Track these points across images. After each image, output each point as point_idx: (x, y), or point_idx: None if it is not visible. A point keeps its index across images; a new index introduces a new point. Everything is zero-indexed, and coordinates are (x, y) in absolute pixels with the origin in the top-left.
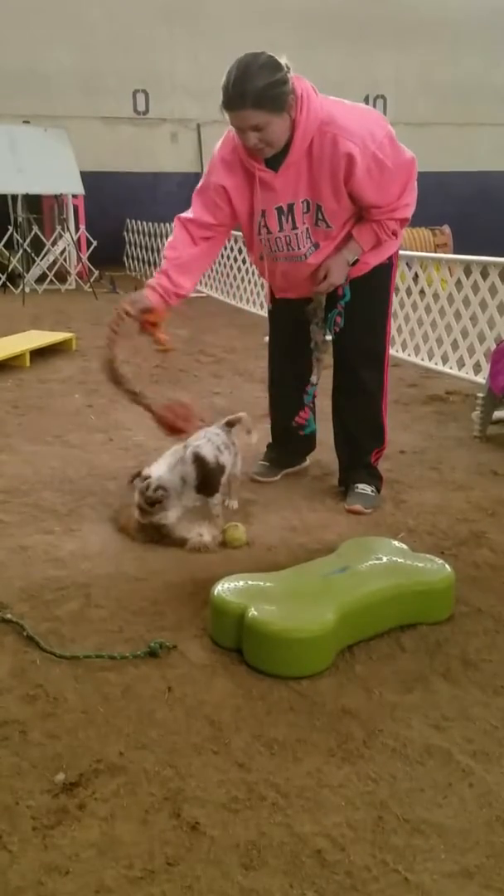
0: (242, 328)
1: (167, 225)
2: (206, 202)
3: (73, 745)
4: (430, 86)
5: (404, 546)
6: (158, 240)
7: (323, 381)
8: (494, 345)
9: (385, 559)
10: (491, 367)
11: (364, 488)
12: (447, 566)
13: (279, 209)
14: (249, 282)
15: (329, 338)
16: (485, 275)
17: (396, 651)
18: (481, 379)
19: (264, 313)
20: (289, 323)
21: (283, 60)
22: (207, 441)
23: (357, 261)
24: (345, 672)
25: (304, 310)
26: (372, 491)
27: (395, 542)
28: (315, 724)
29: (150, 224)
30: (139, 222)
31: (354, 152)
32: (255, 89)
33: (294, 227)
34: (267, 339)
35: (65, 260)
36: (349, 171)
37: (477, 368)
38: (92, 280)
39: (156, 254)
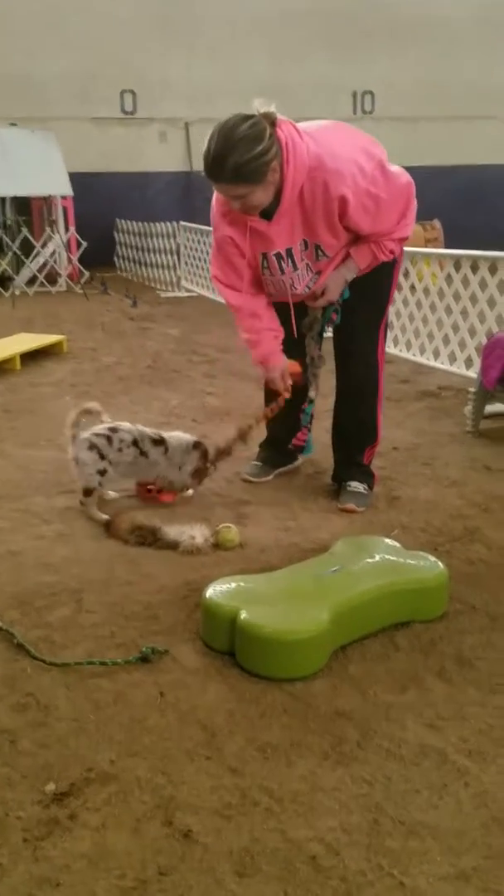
0: (235, 327)
1: (157, 225)
2: (223, 262)
3: (64, 754)
4: (417, 82)
5: (397, 544)
6: (148, 240)
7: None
8: (485, 339)
9: (378, 558)
10: (482, 362)
11: (356, 486)
12: (440, 564)
13: (277, 255)
14: None
15: (328, 333)
16: (475, 269)
17: (390, 650)
18: (473, 374)
19: None
20: (286, 326)
21: (270, 109)
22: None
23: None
24: (338, 673)
25: (300, 323)
26: (364, 489)
27: (388, 541)
28: (309, 727)
29: (141, 224)
30: (129, 222)
31: (347, 194)
32: (234, 164)
33: (295, 269)
34: None
35: (55, 262)
36: (343, 212)
37: (469, 363)
38: (83, 281)
39: (146, 253)
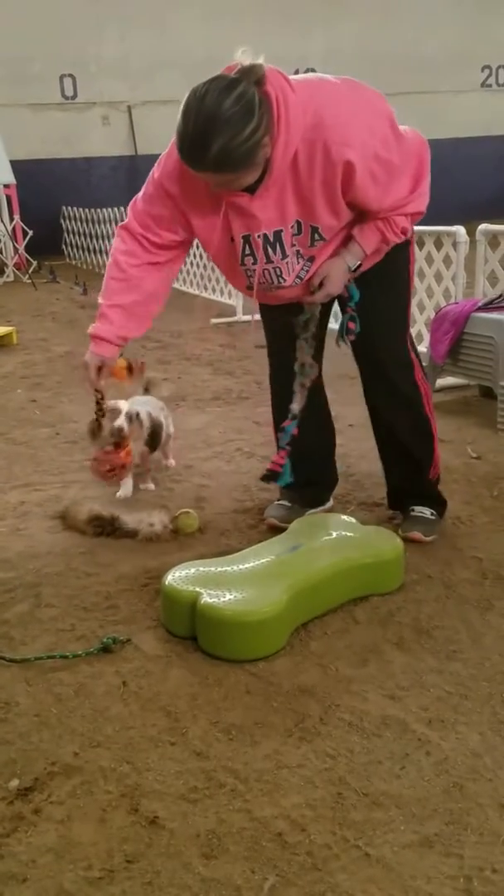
0: (186, 311)
1: (103, 210)
2: (151, 211)
3: (26, 750)
4: (359, 56)
5: (353, 520)
6: (95, 226)
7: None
8: (433, 314)
9: (335, 534)
10: (431, 336)
11: (422, 511)
12: (396, 537)
13: (264, 237)
14: (191, 263)
15: (344, 344)
16: (420, 244)
17: (350, 624)
18: (423, 349)
19: (208, 295)
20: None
21: (257, 61)
22: (143, 405)
23: (360, 266)
24: (300, 650)
25: (294, 321)
26: (432, 514)
27: (345, 517)
28: (272, 706)
29: (87, 210)
30: (75, 209)
31: (353, 158)
32: (219, 150)
33: (284, 257)
34: (214, 321)
35: (0, 252)
36: (348, 181)
37: (419, 339)
38: (30, 271)
39: (94, 240)
